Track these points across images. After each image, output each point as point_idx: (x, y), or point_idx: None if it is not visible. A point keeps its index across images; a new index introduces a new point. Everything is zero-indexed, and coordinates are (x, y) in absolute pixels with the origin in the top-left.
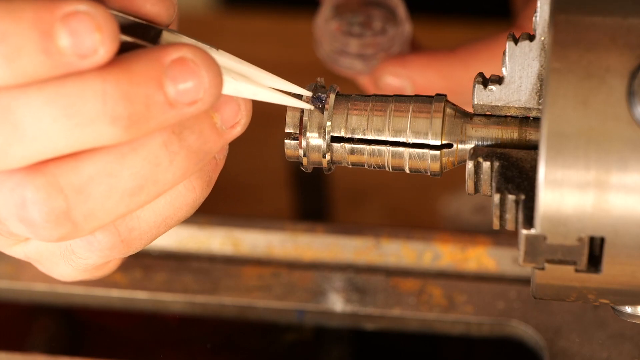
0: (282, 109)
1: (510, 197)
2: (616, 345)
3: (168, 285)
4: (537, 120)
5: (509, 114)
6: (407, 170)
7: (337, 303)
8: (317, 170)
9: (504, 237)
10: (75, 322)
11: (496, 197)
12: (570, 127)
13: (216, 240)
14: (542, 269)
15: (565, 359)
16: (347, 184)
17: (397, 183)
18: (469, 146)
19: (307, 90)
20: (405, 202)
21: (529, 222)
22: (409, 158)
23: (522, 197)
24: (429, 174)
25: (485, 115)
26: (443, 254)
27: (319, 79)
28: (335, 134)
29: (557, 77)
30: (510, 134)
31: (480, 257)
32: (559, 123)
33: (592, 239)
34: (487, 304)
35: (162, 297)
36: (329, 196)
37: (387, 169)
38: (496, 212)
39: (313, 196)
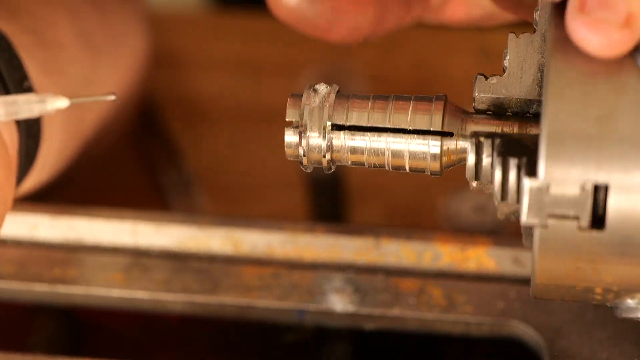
0: (282, 109)
1: (513, 161)
2: (616, 345)
3: (168, 285)
4: (537, 116)
5: (509, 107)
6: (407, 169)
7: (337, 303)
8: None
9: (504, 237)
10: (75, 322)
11: (497, 161)
12: (573, 78)
13: (216, 240)
14: (546, 227)
15: (565, 359)
16: (347, 183)
17: (397, 183)
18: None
19: (306, 89)
20: (405, 202)
21: (532, 173)
22: (409, 152)
23: (525, 159)
24: (428, 173)
25: (485, 113)
26: (443, 254)
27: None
28: (336, 122)
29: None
30: (511, 128)
31: (480, 257)
32: (563, 75)
33: (596, 188)
34: (487, 304)
35: (162, 297)
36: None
37: (387, 167)
38: (497, 179)
39: (328, 198)
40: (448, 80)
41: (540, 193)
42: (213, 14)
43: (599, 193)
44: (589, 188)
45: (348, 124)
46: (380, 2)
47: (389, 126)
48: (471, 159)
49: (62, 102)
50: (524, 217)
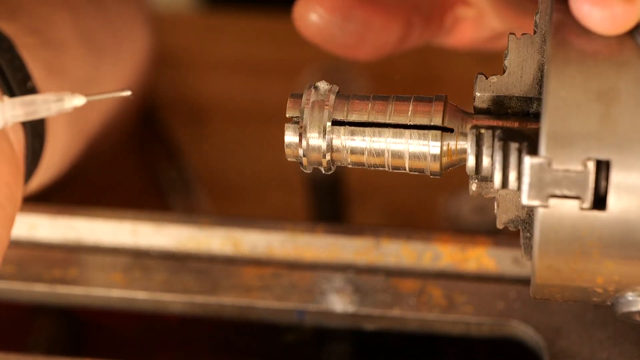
0: (282, 109)
1: (513, 145)
2: (616, 345)
3: (168, 285)
4: (537, 115)
5: (510, 106)
6: (407, 169)
7: (337, 303)
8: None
9: (504, 238)
10: (75, 322)
11: (498, 147)
12: (574, 56)
13: (216, 240)
14: (547, 206)
15: (565, 359)
16: (347, 184)
17: (397, 183)
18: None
19: (307, 89)
20: (405, 202)
21: (534, 152)
22: (409, 152)
23: (525, 144)
24: (428, 173)
25: (486, 112)
26: (443, 254)
27: (319, 82)
28: (336, 118)
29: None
30: (511, 125)
31: (480, 258)
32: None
33: (598, 167)
34: (487, 304)
35: (162, 297)
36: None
37: (387, 168)
38: (498, 165)
39: (328, 198)
40: (448, 81)
41: (541, 170)
42: (213, 14)
43: (601, 172)
44: (591, 165)
45: (348, 121)
46: (406, 21)
47: (389, 122)
48: (472, 151)
49: (79, 100)
50: (525, 198)
